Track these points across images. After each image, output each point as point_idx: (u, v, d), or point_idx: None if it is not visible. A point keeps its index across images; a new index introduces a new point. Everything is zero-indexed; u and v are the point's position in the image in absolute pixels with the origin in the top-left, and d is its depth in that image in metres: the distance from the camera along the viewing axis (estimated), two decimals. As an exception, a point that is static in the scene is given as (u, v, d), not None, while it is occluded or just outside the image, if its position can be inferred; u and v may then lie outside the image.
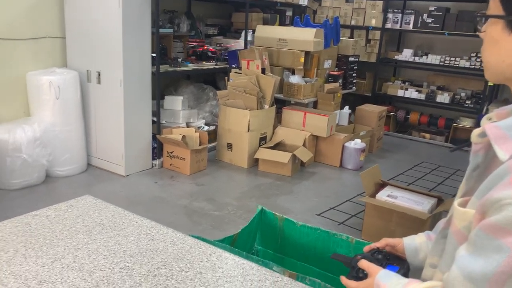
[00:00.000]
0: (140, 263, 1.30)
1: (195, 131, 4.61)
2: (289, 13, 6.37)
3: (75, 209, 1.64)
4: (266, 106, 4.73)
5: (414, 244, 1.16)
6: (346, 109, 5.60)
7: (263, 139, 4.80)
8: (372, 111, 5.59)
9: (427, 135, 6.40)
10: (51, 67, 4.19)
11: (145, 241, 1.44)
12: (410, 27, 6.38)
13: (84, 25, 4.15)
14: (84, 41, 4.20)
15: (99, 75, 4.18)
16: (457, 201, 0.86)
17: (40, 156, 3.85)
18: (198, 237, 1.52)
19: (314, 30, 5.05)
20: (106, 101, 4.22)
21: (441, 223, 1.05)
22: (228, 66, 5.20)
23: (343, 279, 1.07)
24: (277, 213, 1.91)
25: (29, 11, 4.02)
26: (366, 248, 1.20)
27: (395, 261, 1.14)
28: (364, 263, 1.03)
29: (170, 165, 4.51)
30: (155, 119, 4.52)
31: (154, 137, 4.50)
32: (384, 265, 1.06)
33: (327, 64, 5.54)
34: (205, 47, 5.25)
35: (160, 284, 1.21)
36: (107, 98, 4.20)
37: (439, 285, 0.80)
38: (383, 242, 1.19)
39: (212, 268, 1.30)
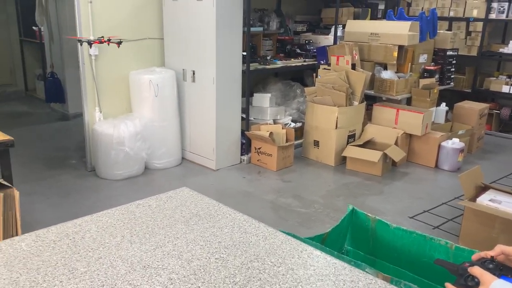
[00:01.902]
0: (234, 255, 1.34)
1: (282, 128, 4.64)
2: (381, 6, 6.14)
3: (174, 200, 1.74)
4: (356, 103, 4.61)
5: None
6: (443, 106, 5.26)
7: (351, 137, 4.69)
8: (472, 108, 5.18)
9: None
10: (151, 66, 4.48)
11: (238, 234, 1.48)
12: (519, 16, 5.79)
13: (180, 26, 4.37)
14: (180, 41, 4.42)
15: (193, 73, 4.38)
16: None
17: (140, 149, 4.14)
18: (289, 233, 1.53)
19: (409, 23, 4.81)
20: (199, 99, 4.41)
21: None
22: (316, 62, 5.15)
23: (449, 286, 1.00)
24: (369, 214, 1.85)
25: (132, 15, 4.33)
26: (475, 256, 1.10)
27: (510, 273, 1.04)
28: (477, 270, 0.96)
29: (258, 160, 4.59)
30: (244, 115, 4.63)
31: (243, 133, 4.61)
32: (496, 276, 0.97)
33: (423, 58, 5.25)
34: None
35: (253, 277, 1.23)
36: (200, 96, 4.39)
37: None
38: (498, 250, 1.08)
39: (304, 265, 1.30)
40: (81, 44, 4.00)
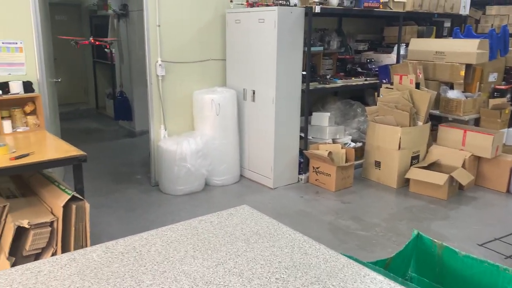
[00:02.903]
0: (294, 276, 1.33)
1: (342, 148, 4.57)
2: (447, 24, 5.93)
3: (235, 218, 1.76)
4: (420, 123, 4.45)
5: None
6: (516, 128, 4.94)
7: (415, 158, 4.52)
8: (550, 130, 4.82)
9: None
10: (213, 86, 4.63)
11: (298, 255, 1.47)
12: None
13: (242, 47, 4.49)
14: (241, 62, 4.54)
15: (253, 93, 4.46)
16: None
17: (201, 166, 4.26)
18: (350, 257, 1.50)
19: (477, 40, 4.61)
20: (258, 117, 4.47)
21: None
22: (378, 81, 5.06)
23: None
24: (435, 240, 1.77)
25: (197, 37, 4.51)
26: None
27: None
28: None
29: (316, 180, 4.55)
30: (302, 134, 4.62)
31: (301, 152, 4.60)
32: None
33: (492, 77, 4.98)
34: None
35: (314, 300, 1.21)
36: (260, 115, 4.45)
37: None
38: None
39: (367, 291, 1.26)
40: (74, 44, 4.68)
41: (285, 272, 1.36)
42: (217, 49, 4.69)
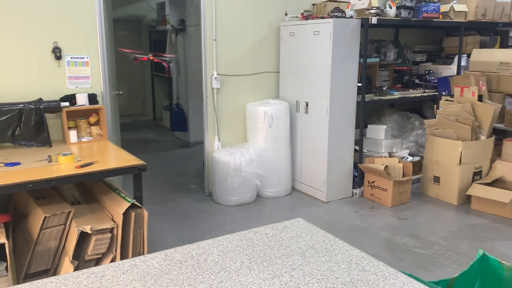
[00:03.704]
0: (352, 293, 1.30)
1: (399, 162, 4.43)
2: (512, 33, 5.62)
3: (290, 230, 1.75)
4: (483, 137, 4.23)
5: None
6: None
7: (477, 174, 4.29)
8: None
9: None
10: (266, 98, 4.66)
11: (356, 271, 1.43)
12: None
13: (296, 59, 4.50)
14: (294, 74, 4.54)
15: (306, 105, 4.44)
16: None
17: (254, 177, 4.28)
18: (410, 275, 1.44)
19: (547, 50, 4.33)
20: (311, 130, 4.44)
21: None
22: (437, 93, 4.87)
23: None
24: (503, 262, 1.66)
25: (251, 50, 4.58)
26: None
27: None
28: None
29: (371, 195, 4.43)
30: (357, 147, 4.53)
31: (355, 166, 4.51)
32: None
33: None
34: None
35: (373, 319, 1.17)
36: (312, 127, 4.42)
37: None
38: None
39: (430, 312, 1.20)
40: (133, 60, 4.62)
41: (343, 288, 1.33)
42: (270, 61, 4.74)
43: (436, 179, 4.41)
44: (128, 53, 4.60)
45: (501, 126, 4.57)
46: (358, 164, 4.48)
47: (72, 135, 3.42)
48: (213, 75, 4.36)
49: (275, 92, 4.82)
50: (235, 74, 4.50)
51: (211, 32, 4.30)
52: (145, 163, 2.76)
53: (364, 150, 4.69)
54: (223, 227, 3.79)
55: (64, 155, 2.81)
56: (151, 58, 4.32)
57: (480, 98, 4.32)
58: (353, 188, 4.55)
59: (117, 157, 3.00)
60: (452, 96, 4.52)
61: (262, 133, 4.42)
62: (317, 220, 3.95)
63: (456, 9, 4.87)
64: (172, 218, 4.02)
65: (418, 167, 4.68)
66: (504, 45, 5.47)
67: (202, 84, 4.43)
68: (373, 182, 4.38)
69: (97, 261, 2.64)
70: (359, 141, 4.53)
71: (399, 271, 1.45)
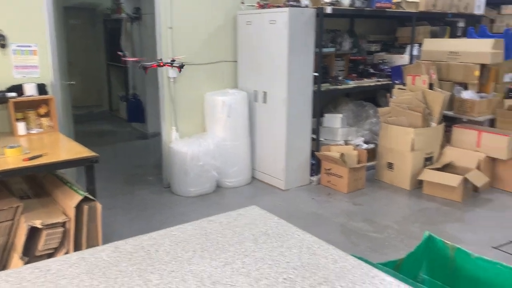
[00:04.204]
0: (302, 276, 1.32)
1: (354, 149, 4.54)
2: (461, 24, 5.85)
3: (244, 218, 1.76)
4: (433, 124, 4.40)
5: None
6: (532, 129, 4.84)
7: (428, 160, 4.46)
8: None
9: None
10: (224, 88, 4.64)
11: (307, 255, 1.45)
12: None
13: (253, 48, 4.49)
14: (252, 63, 4.54)
15: (265, 94, 4.45)
16: None
17: (212, 167, 4.26)
18: (360, 258, 1.48)
19: (492, 40, 4.54)
20: (270, 119, 4.46)
21: None
22: (390, 82, 5.01)
23: None
24: (447, 242, 1.74)
25: (208, 39, 4.53)
26: None
27: None
28: None
29: (328, 182, 4.52)
30: (314, 136, 4.60)
31: (312, 154, 4.58)
32: None
33: (508, 77, 4.90)
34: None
35: (322, 301, 1.20)
36: (271, 116, 4.44)
37: None
38: None
39: (376, 292, 1.24)
40: (139, 68, 4.31)
41: (293, 272, 1.35)
42: (228, 51, 4.71)
43: (390, 166, 4.55)
44: (135, 63, 4.39)
45: (450, 113, 4.76)
46: (315, 152, 4.55)
47: (20, 127, 3.27)
48: (169, 64, 4.28)
49: (234, 81, 4.80)
50: (192, 63, 4.44)
51: (166, 20, 4.22)
52: (98, 154, 2.68)
53: (321, 139, 4.77)
54: (182, 218, 3.76)
55: (11, 147, 2.69)
56: (162, 64, 4.14)
57: (430, 86, 4.48)
58: (311, 175, 4.63)
59: (68, 149, 2.91)
60: (404, 84, 4.66)
61: (221, 123, 4.40)
62: (276, 208, 4.00)
63: (408, 0, 5.00)
64: (129, 210, 3.95)
65: (372, 154, 4.81)
66: (453, 35, 5.69)
67: (158, 74, 4.35)
68: (329, 170, 4.47)
69: (49, 257, 2.56)
70: (316, 130, 4.59)
71: (349, 254, 1.49)
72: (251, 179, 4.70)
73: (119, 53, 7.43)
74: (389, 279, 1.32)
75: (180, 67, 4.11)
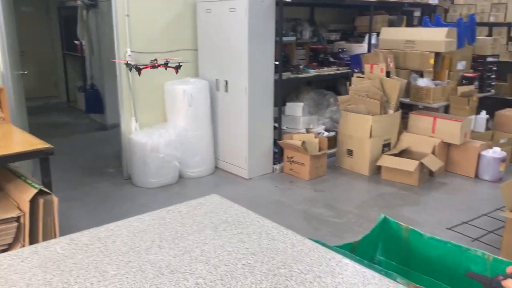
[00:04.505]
0: (261, 261, 1.34)
1: (315, 137, 4.60)
2: (417, 13, 6.02)
3: (204, 207, 1.75)
4: (391, 111, 4.52)
5: None
6: (483, 114, 5.07)
7: (386, 146, 4.59)
8: (515, 116, 4.97)
9: None
10: (185, 77, 4.57)
11: (266, 241, 1.47)
12: None
13: (213, 37, 4.45)
14: (213, 52, 4.50)
15: (226, 83, 4.43)
16: None
17: (174, 158, 4.22)
18: (317, 241, 1.51)
19: (445, 29, 4.70)
20: (232, 108, 4.45)
21: None
22: (350, 71, 5.10)
23: None
24: (401, 223, 1.80)
25: (167, 27, 4.44)
26: (510, 269, 1.04)
27: None
28: (509, 283, 0.90)
29: (290, 170, 4.57)
30: (276, 125, 4.63)
31: (275, 143, 4.61)
32: None
33: (461, 65, 5.10)
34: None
35: (280, 284, 1.22)
36: (233, 105, 4.43)
37: None
38: None
39: (332, 273, 1.28)
40: (130, 70, 3.97)
41: (252, 258, 1.36)
42: (188, 39, 4.64)
43: (350, 152, 4.65)
44: (125, 64, 4.02)
45: (407, 100, 4.91)
46: (278, 141, 4.59)
47: (-32, 119, 3.11)
48: (126, 52, 4.17)
49: (195, 70, 4.75)
50: (151, 51, 4.35)
51: (123, 7, 4.10)
52: (52, 146, 2.59)
53: (283, 127, 4.81)
54: (143, 210, 3.66)
55: (-42, 141, 2.55)
56: (156, 65, 3.86)
57: (388, 74, 4.59)
58: (274, 164, 4.66)
59: (21, 141, 2.79)
60: (363, 73, 4.75)
61: (182, 112, 4.35)
62: (239, 197, 4.01)
63: (366, -11, 5.09)
64: (88, 203, 3.85)
65: (333, 141, 4.90)
66: (410, 24, 5.84)
67: (115, 63, 4.23)
68: (292, 158, 4.52)
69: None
70: (278, 119, 4.62)
71: (306, 238, 1.51)
72: (214, 169, 4.69)
73: (76, 42, 7.21)
74: (345, 260, 1.35)
75: (177, 67, 3.91)
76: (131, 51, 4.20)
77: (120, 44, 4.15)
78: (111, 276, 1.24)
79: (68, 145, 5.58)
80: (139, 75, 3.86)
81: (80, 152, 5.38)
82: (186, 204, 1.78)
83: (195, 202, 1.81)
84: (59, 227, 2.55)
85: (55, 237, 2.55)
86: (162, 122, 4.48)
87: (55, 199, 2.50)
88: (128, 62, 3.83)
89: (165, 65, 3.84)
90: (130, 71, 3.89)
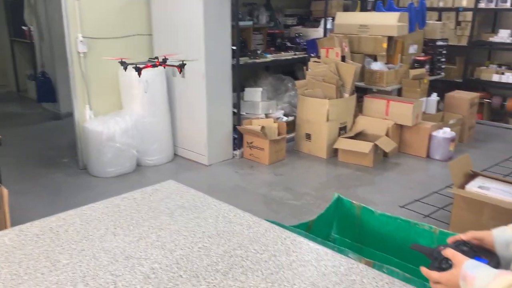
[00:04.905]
0: (217, 244, 1.35)
1: (274, 122, 4.64)
2: (371, -2, 6.14)
3: (160, 193, 1.75)
4: (346, 95, 4.62)
5: (505, 236, 1.05)
6: (434, 96, 5.28)
7: (342, 129, 4.70)
8: (463, 98, 5.20)
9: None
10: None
11: (223, 224, 1.48)
12: (508, 5, 5.82)
13: (168, 21, 4.36)
14: (168, 37, 4.42)
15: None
16: None
17: (131, 146, 4.14)
18: (273, 222, 1.54)
19: (397, 14, 4.82)
20: (190, 94, 4.40)
21: None
22: (307, 55, 5.15)
23: (424, 270, 1.00)
24: (354, 202, 1.86)
25: (120, 11, 4.31)
26: (450, 240, 1.11)
27: (483, 254, 1.03)
28: (449, 252, 0.96)
29: (250, 155, 4.60)
30: (235, 110, 4.63)
31: (234, 128, 4.62)
32: (470, 258, 0.97)
33: (413, 49, 5.26)
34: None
35: (235, 265, 1.24)
36: (190, 91, 4.38)
37: None
38: (470, 235, 1.08)
39: (286, 252, 1.31)
40: (125, 69, 3.45)
41: (208, 241, 1.37)
42: (142, 23, 4.52)
43: (308, 136, 4.73)
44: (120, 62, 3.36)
45: (361, 84, 5.03)
46: (237, 126, 4.60)
47: None
48: (78, 38, 4.03)
49: (150, 55, 4.62)
50: (104, 37, 4.21)
51: (72, -9, 3.94)
52: (0, 136, 2.48)
53: (242, 113, 4.81)
54: (100, 199, 3.60)
55: None
56: (158, 64, 3.39)
57: (343, 58, 4.68)
58: (233, 150, 4.67)
59: (-35, 132, 2.65)
60: (319, 57, 4.82)
61: (138, 99, 4.26)
62: (199, 183, 4.00)
63: (320, -26, 5.13)
64: (43, 195, 3.73)
65: (292, 126, 4.96)
66: (363, 8, 5.95)
67: (66, 49, 4.07)
68: (251, 143, 4.54)
69: (-50, 250, 2.36)
70: (237, 104, 4.62)
71: (262, 219, 1.54)
72: (173, 156, 4.65)
73: (24, 27, 6.87)
74: (300, 239, 1.39)
75: (180, 66, 3.38)
76: (83, 37, 4.05)
77: (71, 29, 4.00)
78: (63, 265, 1.22)
79: (20, 136, 5.35)
80: (139, 76, 3.42)
81: (33, 142, 5.17)
82: (141, 191, 1.77)
83: (151, 189, 1.80)
84: (11, 219, 2.46)
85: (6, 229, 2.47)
86: (117, 110, 4.37)
87: (5, 191, 2.40)
88: (123, 60, 3.42)
89: (164, 62, 3.38)
90: (125, 70, 3.44)
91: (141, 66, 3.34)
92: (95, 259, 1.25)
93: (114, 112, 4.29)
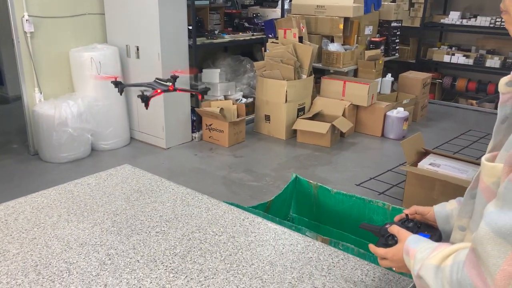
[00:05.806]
0: (175, 228, 1.34)
1: (233, 104, 4.62)
2: (327, -21, 6.15)
3: (115, 178, 1.70)
4: (304, 76, 4.65)
5: (445, 211, 1.11)
6: (389, 77, 5.41)
7: (301, 110, 4.75)
8: (416, 78, 5.37)
9: (475, 102, 6.10)
10: (92, 43, 4.29)
11: (181, 207, 1.47)
12: (458, -13, 6.01)
13: (121, 0, 4.20)
14: (122, 16, 4.26)
15: (137, 49, 4.24)
16: (485, 156, 0.81)
17: (84, 130, 4.00)
18: (232, 203, 1.54)
19: (353, -5, 4.87)
20: (145, 75, 4.27)
21: None
22: (265, 36, 5.13)
23: (372, 247, 1.04)
24: (311, 181, 1.89)
25: (69, -11, 4.11)
26: (396, 218, 1.16)
27: (426, 229, 1.10)
28: (394, 228, 1.00)
29: (209, 137, 4.57)
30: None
31: (193, 110, 4.56)
32: (415, 233, 1.02)
33: (368, 30, 5.35)
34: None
35: (194, 247, 1.24)
36: (146, 72, 4.26)
37: (468, 246, 0.76)
38: (412, 209, 1.14)
39: (245, 233, 1.32)
40: (120, 93, 3.05)
41: (166, 224, 1.36)
42: (93, 2, 4.33)
43: (267, 118, 4.74)
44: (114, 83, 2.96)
45: (319, 65, 5.07)
46: (196, 109, 4.54)
47: None
48: (23, 17, 3.80)
49: (102, 36, 4.47)
50: (52, 15, 4.01)
51: (15, -34, 3.70)
52: None
53: (200, 94, 4.74)
54: (53, 185, 3.49)
55: None
56: (171, 88, 2.86)
57: (300, 39, 4.69)
58: (192, 132, 4.62)
59: None
60: (277, 38, 4.80)
61: (91, 81, 4.10)
62: (158, 167, 3.94)
63: (277, -47, 5.07)
64: (-9, 183, 3.55)
65: (251, 107, 4.96)
66: (320, -10, 5.95)
67: (11, 28, 3.85)
68: (210, 125, 4.51)
69: None
70: (194, 86, 4.55)
71: (221, 201, 1.54)
72: (130, 140, 4.54)
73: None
74: (258, 219, 1.40)
75: (202, 93, 2.78)
76: (29, 16, 3.83)
77: (15, 8, 3.76)
78: (13, 255, 1.17)
79: (-38, 121, 5.06)
80: (146, 108, 2.86)
81: (-22, 128, 4.90)
82: (95, 176, 1.72)
83: (105, 174, 1.75)
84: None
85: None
86: (69, 93, 4.20)
87: None
88: (117, 80, 2.90)
89: (175, 81, 2.84)
90: (121, 94, 3.00)
91: (148, 94, 2.72)
92: (47, 247, 1.21)
93: (66, 95, 4.12)
